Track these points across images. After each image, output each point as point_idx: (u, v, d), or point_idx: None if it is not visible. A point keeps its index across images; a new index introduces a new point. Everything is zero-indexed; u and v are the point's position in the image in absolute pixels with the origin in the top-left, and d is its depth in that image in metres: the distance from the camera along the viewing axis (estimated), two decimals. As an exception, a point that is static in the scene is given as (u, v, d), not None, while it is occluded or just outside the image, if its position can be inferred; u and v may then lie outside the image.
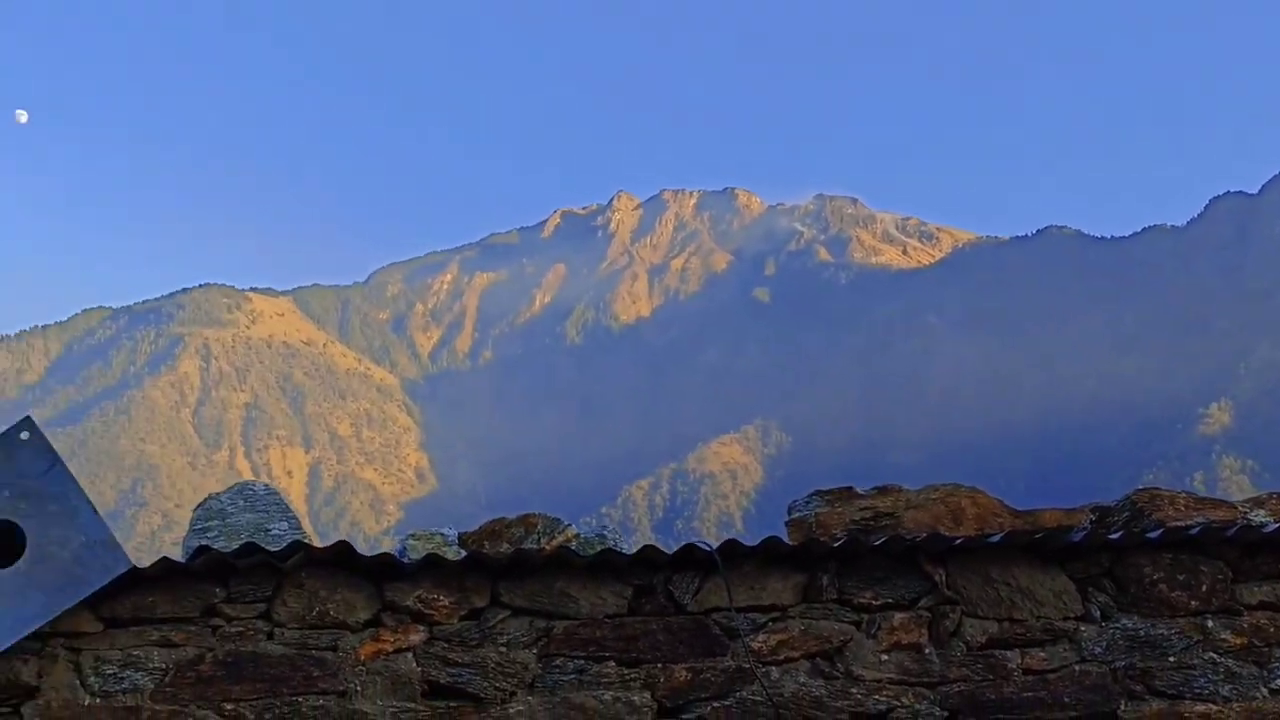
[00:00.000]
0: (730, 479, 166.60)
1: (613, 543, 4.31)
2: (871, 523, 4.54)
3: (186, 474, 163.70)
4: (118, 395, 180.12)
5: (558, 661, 4.09)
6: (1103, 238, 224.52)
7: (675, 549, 4.20)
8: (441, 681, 4.01)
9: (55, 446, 3.92)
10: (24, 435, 3.77)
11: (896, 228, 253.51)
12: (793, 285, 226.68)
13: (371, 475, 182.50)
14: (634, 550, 4.19)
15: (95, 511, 3.80)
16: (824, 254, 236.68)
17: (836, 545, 4.24)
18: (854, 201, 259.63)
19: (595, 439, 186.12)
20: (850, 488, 4.63)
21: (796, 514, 4.63)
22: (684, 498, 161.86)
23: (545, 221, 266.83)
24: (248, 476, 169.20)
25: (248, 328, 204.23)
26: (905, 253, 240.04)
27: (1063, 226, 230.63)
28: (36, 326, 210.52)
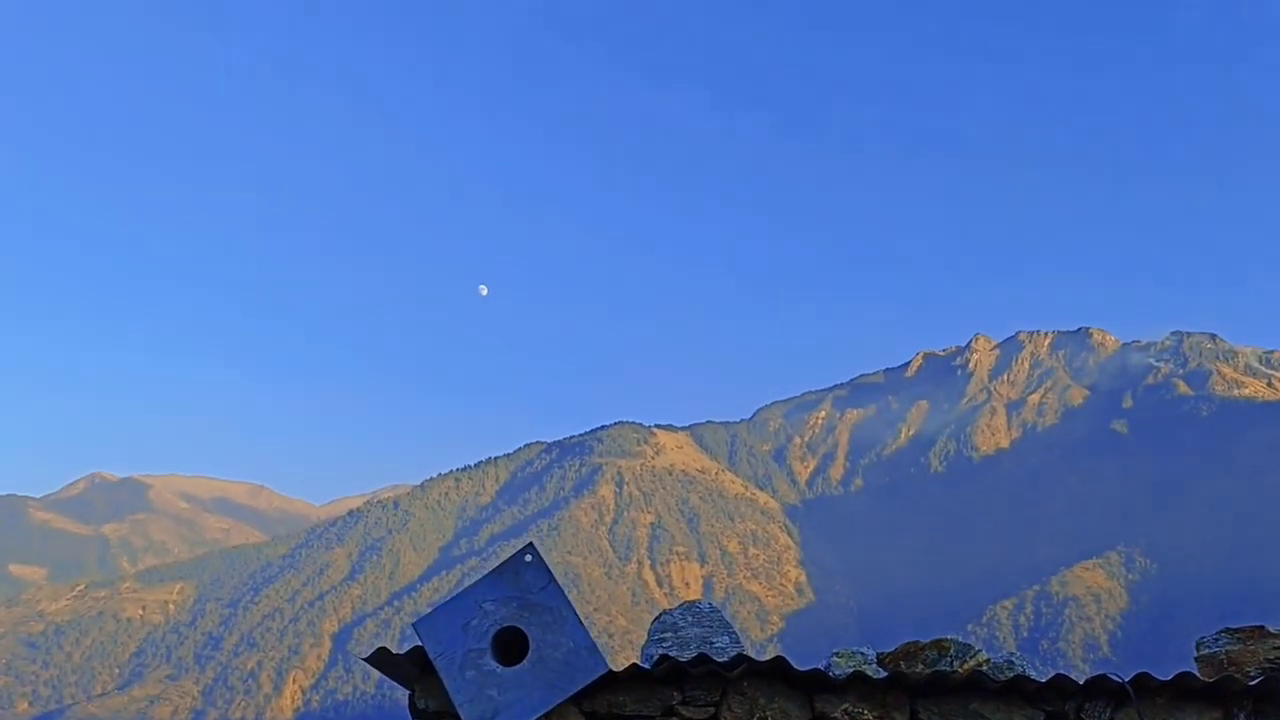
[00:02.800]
0: (1094, 602, 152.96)
1: (1021, 669, 4.09)
2: (1287, 662, 4.04)
3: (603, 582, 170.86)
4: (550, 514, 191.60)
5: (974, 778, 3.90)
6: None
7: (1085, 679, 3.94)
8: (868, 788, 3.92)
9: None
10: (527, 558, 4.11)
11: (1260, 360, 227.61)
12: (1152, 417, 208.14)
13: (757, 588, 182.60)
14: (1045, 678, 3.97)
15: (579, 621, 4.05)
16: (1183, 387, 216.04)
17: (1254, 683, 3.82)
18: (1213, 337, 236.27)
19: (959, 560, 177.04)
20: (1263, 626, 4.16)
21: (1206, 650, 4.21)
22: (1048, 619, 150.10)
23: (909, 363, 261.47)
24: (653, 587, 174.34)
25: (653, 458, 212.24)
26: (1271, 385, 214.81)
27: None
28: (490, 458, 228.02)
